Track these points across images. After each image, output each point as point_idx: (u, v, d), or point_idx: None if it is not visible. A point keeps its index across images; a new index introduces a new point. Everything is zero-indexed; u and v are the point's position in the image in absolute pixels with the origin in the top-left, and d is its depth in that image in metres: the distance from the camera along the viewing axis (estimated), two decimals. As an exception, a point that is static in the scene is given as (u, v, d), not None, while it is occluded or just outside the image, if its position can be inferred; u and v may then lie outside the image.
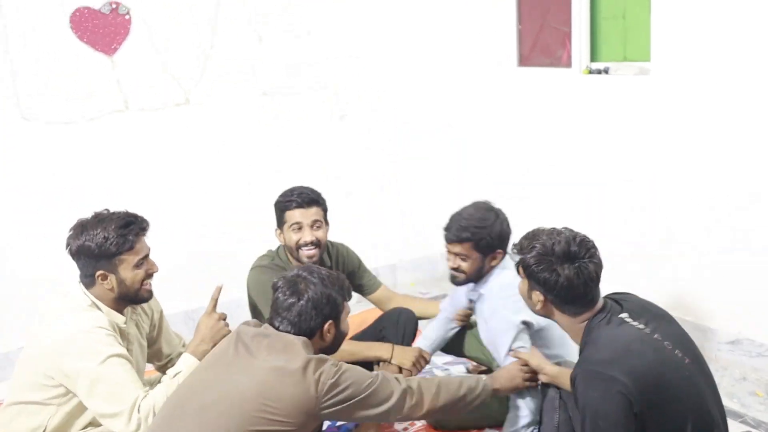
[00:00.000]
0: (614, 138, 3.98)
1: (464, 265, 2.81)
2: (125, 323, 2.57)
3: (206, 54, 4.12)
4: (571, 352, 2.66)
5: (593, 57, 4.21)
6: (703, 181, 3.56)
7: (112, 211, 2.53)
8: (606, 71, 4.04)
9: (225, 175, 4.28)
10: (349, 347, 2.85)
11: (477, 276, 2.83)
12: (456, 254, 2.81)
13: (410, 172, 4.93)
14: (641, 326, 2.05)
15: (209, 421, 2.06)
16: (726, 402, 3.24)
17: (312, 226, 3.06)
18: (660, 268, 3.79)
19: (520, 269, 2.19)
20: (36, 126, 3.75)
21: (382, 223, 4.87)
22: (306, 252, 3.06)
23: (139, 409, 2.32)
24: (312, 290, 2.22)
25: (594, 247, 2.15)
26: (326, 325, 2.25)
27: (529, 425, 2.67)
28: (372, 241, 4.54)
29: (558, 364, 2.58)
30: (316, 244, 3.07)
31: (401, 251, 4.96)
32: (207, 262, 4.12)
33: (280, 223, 3.11)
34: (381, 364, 3.01)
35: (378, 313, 3.53)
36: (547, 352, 2.68)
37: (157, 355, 2.87)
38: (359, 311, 4.36)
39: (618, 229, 3.97)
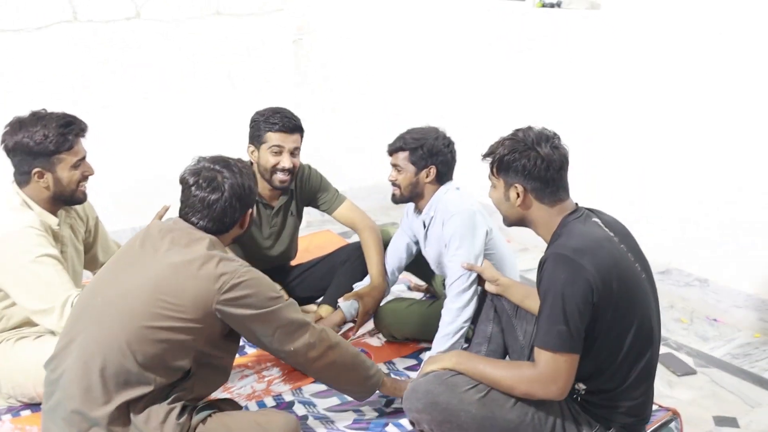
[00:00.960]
0: (564, 73, 4.04)
1: (399, 178, 2.87)
2: (58, 225, 2.56)
3: (159, -33, 4.05)
4: (513, 277, 2.79)
5: (547, -10, 4.24)
6: (644, 115, 3.65)
7: (48, 111, 2.49)
8: (558, 5, 4.08)
9: (174, 93, 4.25)
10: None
11: (411, 192, 2.89)
12: (393, 165, 2.90)
13: (362, 99, 4.94)
14: (611, 233, 2.14)
15: (110, 317, 2.05)
16: (652, 327, 3.42)
17: (292, 153, 3.07)
18: (594, 199, 3.89)
19: (494, 170, 2.20)
20: (-19, 32, 3.68)
21: (334, 151, 4.89)
22: (280, 176, 3.06)
23: (72, 306, 2.32)
24: (230, 182, 2.15)
25: (558, 135, 2.21)
26: (245, 215, 2.24)
27: (458, 331, 2.73)
28: (324, 167, 4.56)
29: None
30: (291, 170, 3.08)
31: (353, 180, 5.00)
32: (156, 183, 4.12)
33: (257, 141, 3.07)
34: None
35: (326, 238, 3.53)
36: None
37: (93, 261, 2.87)
38: (306, 233, 4.44)
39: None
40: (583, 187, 3.89)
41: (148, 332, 2.02)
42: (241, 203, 2.18)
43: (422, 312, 3.10)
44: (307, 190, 3.29)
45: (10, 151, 2.46)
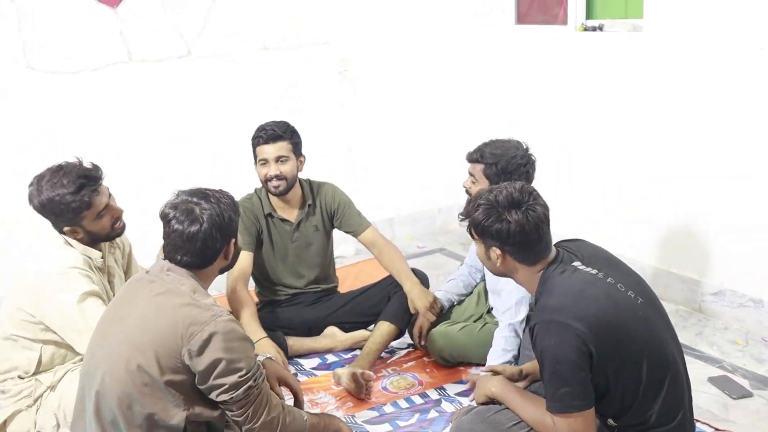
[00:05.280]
0: (607, 94, 4.05)
1: (473, 188, 2.89)
2: (102, 258, 2.66)
3: (208, 7, 4.19)
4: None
5: (589, 14, 4.27)
6: (692, 135, 3.64)
7: (65, 166, 2.51)
8: (600, 28, 4.09)
9: (225, 127, 4.37)
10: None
11: None
12: (470, 174, 2.94)
13: (410, 127, 5.01)
14: (594, 271, 2.11)
15: (107, 384, 2.04)
16: (706, 349, 3.39)
17: (277, 161, 3.20)
18: (647, 221, 3.88)
19: (473, 231, 2.21)
20: (41, 75, 3.85)
21: (380, 178, 4.96)
22: (272, 184, 3.22)
23: None
24: (208, 213, 2.11)
25: (536, 191, 2.19)
26: (229, 245, 2.19)
27: (507, 352, 2.79)
28: (371, 195, 4.64)
29: None
30: (281, 177, 3.21)
31: (399, 206, 5.05)
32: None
33: (255, 159, 3.27)
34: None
35: (374, 265, 3.59)
36: None
37: None
38: (356, 261, 4.50)
39: (608, 183, 4.07)
40: (634, 213, 3.90)
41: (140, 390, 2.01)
42: (222, 233, 2.14)
43: (474, 335, 3.13)
44: (329, 207, 3.39)
45: (39, 211, 2.55)
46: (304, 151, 3.33)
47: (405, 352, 3.41)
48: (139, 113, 4.12)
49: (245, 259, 3.18)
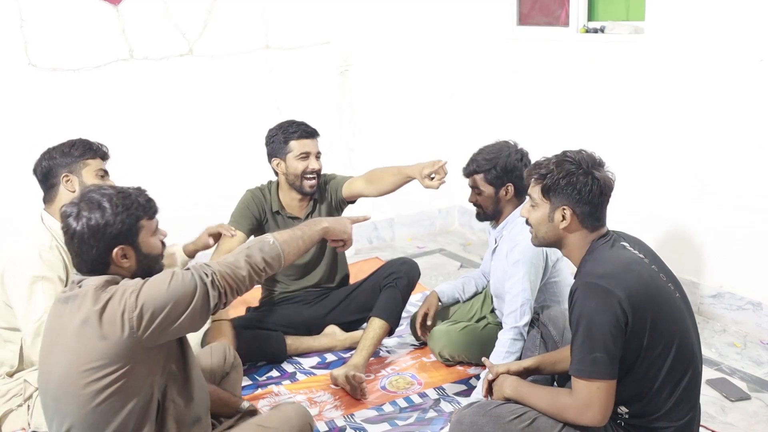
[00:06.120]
0: (608, 96, 4.05)
1: (479, 199, 2.95)
2: None
3: (210, 6, 4.20)
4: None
5: (591, 16, 4.27)
6: (692, 137, 3.64)
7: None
8: (602, 30, 4.10)
9: (226, 126, 4.38)
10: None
11: (494, 210, 2.96)
12: (472, 188, 2.97)
13: (410, 128, 5.01)
14: (641, 255, 2.15)
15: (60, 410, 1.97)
16: (705, 352, 3.36)
17: (316, 156, 3.24)
18: (647, 223, 3.88)
19: (538, 190, 2.18)
20: (43, 72, 3.85)
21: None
22: (309, 182, 3.23)
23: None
24: (86, 217, 1.93)
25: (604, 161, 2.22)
26: (115, 251, 1.96)
27: (511, 354, 2.77)
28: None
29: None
30: (318, 173, 3.26)
31: (399, 207, 5.05)
32: (207, 214, 4.23)
33: (281, 153, 3.24)
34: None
35: (374, 265, 3.62)
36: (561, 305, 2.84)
37: None
38: (356, 261, 4.50)
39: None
40: (627, 212, 3.90)
41: (94, 400, 1.91)
42: (95, 238, 1.94)
43: (476, 335, 3.13)
44: (326, 190, 3.41)
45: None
46: None
47: (404, 351, 3.42)
48: (141, 111, 4.13)
49: (237, 239, 3.09)
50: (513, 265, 2.83)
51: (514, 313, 2.78)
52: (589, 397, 2.02)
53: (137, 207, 2.00)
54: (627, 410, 2.12)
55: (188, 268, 2.03)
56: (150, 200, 2.06)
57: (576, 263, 2.20)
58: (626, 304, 1.98)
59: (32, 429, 2.60)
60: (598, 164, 2.16)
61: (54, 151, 2.68)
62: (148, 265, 2.05)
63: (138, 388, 1.95)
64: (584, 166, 2.13)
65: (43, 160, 2.68)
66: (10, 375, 2.68)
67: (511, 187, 2.91)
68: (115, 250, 1.96)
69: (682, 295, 2.17)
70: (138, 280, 1.96)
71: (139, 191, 2.06)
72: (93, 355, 1.89)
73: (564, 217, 2.15)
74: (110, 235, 1.95)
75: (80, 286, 1.96)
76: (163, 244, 2.12)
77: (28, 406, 2.62)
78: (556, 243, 2.24)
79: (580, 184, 2.11)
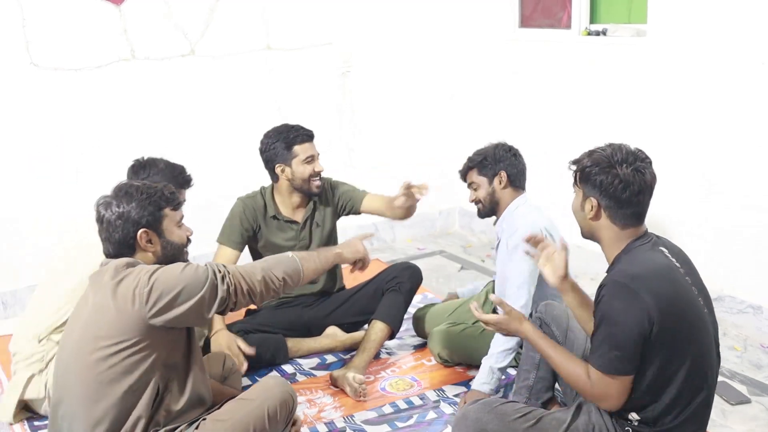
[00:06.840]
0: (610, 98, 4.05)
1: (478, 194, 3.03)
2: None
3: (212, 6, 4.20)
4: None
5: (593, 19, 4.27)
6: (693, 140, 3.64)
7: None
8: (604, 33, 4.10)
9: (227, 126, 4.38)
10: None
11: (492, 203, 3.01)
12: (469, 186, 3.06)
13: (411, 129, 5.01)
14: (678, 264, 2.13)
15: (72, 380, 2.09)
16: (704, 354, 3.38)
17: (318, 159, 3.27)
18: (646, 225, 3.88)
19: (577, 177, 2.20)
20: (44, 72, 3.85)
21: (381, 179, 4.95)
22: (316, 183, 3.25)
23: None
24: (115, 204, 2.14)
25: (649, 159, 2.18)
26: (139, 234, 2.14)
27: (509, 351, 2.80)
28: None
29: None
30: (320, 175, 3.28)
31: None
32: (207, 214, 4.23)
33: (285, 158, 3.23)
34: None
35: (375, 267, 3.61)
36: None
37: None
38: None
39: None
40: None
41: (104, 373, 2.03)
42: (123, 221, 2.12)
43: (476, 337, 3.13)
44: (329, 196, 3.41)
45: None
46: None
47: (405, 353, 3.41)
48: (142, 111, 4.12)
49: (230, 256, 3.22)
50: (513, 249, 2.86)
51: (512, 296, 2.80)
52: (606, 388, 2.04)
53: (161, 197, 2.19)
54: (638, 418, 2.11)
55: (206, 265, 2.17)
56: (174, 193, 2.24)
57: (609, 260, 2.19)
58: (654, 311, 1.97)
59: (49, 394, 2.64)
60: (630, 161, 2.11)
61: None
62: (173, 254, 2.22)
63: (140, 367, 2.05)
64: (612, 159, 2.11)
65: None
66: (39, 341, 2.74)
67: (503, 174, 2.97)
68: (140, 232, 2.14)
69: (710, 311, 2.15)
70: (156, 265, 2.12)
71: (166, 186, 2.25)
72: (104, 325, 2.04)
73: (592, 207, 2.15)
74: (135, 218, 2.13)
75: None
76: (188, 239, 2.29)
77: (48, 372, 2.67)
78: (591, 235, 2.23)
79: (602, 176, 2.11)
